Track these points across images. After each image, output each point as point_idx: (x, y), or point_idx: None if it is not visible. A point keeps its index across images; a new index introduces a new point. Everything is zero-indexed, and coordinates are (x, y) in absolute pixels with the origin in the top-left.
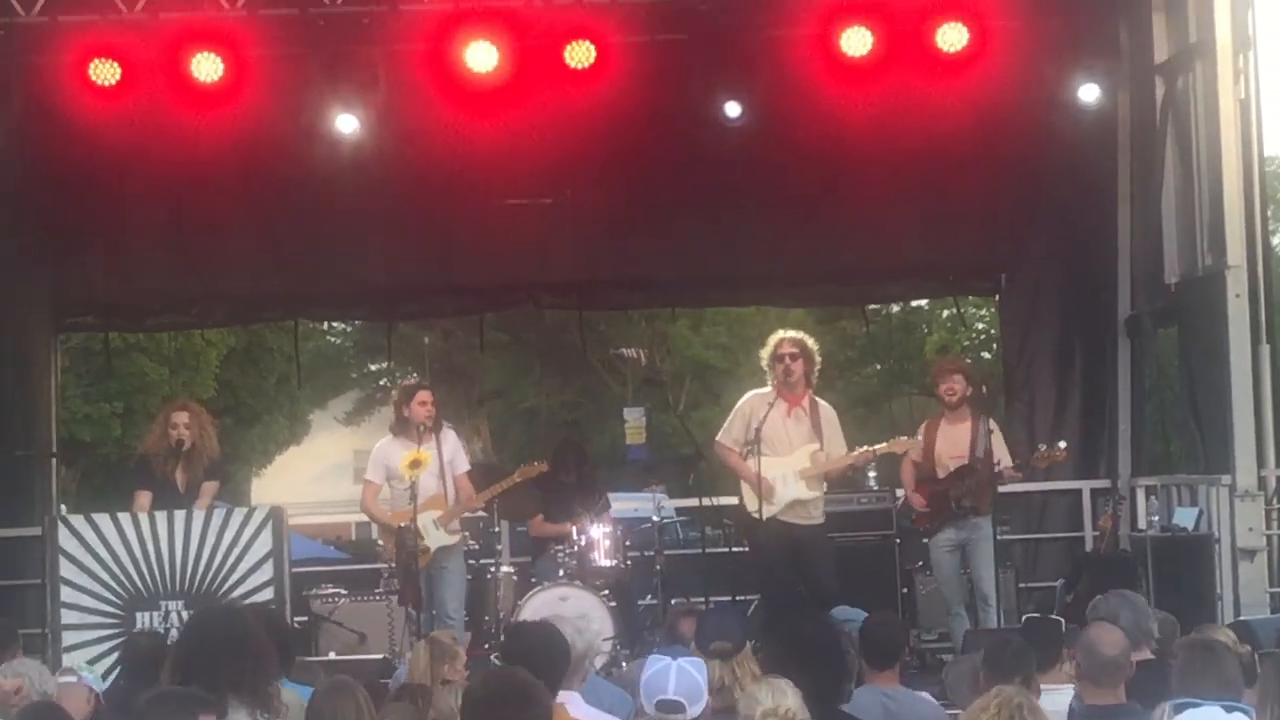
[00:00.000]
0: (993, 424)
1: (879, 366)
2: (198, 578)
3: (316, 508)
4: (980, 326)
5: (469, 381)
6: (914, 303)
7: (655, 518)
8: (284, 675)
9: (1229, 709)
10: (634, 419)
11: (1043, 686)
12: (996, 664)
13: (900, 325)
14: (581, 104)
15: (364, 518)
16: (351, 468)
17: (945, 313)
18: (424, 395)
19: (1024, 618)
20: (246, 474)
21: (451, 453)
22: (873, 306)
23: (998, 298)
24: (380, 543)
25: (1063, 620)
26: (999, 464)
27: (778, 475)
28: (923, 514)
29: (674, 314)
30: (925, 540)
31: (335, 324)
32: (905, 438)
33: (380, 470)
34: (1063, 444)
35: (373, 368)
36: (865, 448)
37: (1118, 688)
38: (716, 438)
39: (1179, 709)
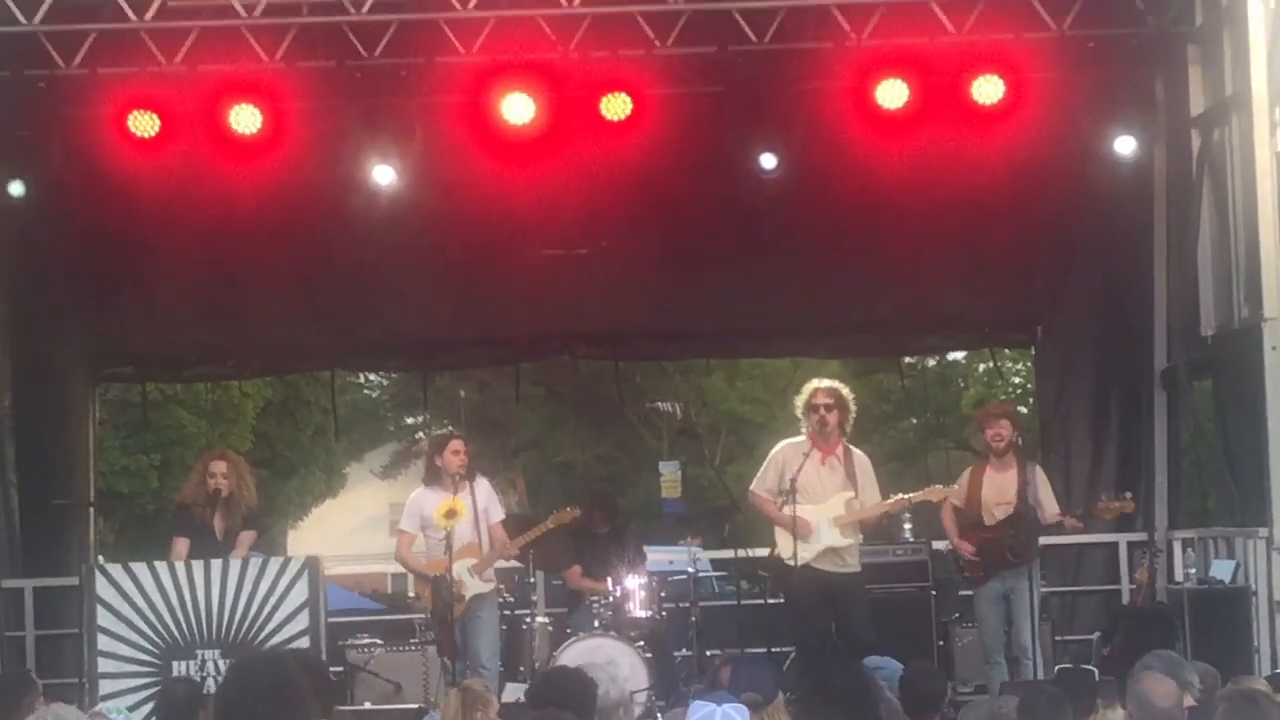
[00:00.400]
0: (1040, 472)
1: (915, 420)
2: (234, 626)
3: (353, 560)
4: (1017, 380)
5: (505, 434)
6: (950, 356)
7: (690, 569)
8: None
9: None
10: (669, 472)
11: None
12: (1032, 712)
13: (936, 379)
14: (617, 155)
15: (400, 569)
16: (387, 521)
17: (982, 366)
18: (456, 444)
19: (1057, 668)
20: (283, 526)
21: (485, 501)
22: (909, 360)
23: (1033, 350)
24: (414, 594)
25: (1096, 671)
26: (1051, 513)
27: (813, 523)
28: (971, 562)
29: (709, 366)
30: (970, 590)
31: (371, 376)
32: (939, 486)
33: (415, 520)
34: (1129, 494)
35: (409, 421)
36: (900, 496)
37: None
38: (750, 487)
39: None
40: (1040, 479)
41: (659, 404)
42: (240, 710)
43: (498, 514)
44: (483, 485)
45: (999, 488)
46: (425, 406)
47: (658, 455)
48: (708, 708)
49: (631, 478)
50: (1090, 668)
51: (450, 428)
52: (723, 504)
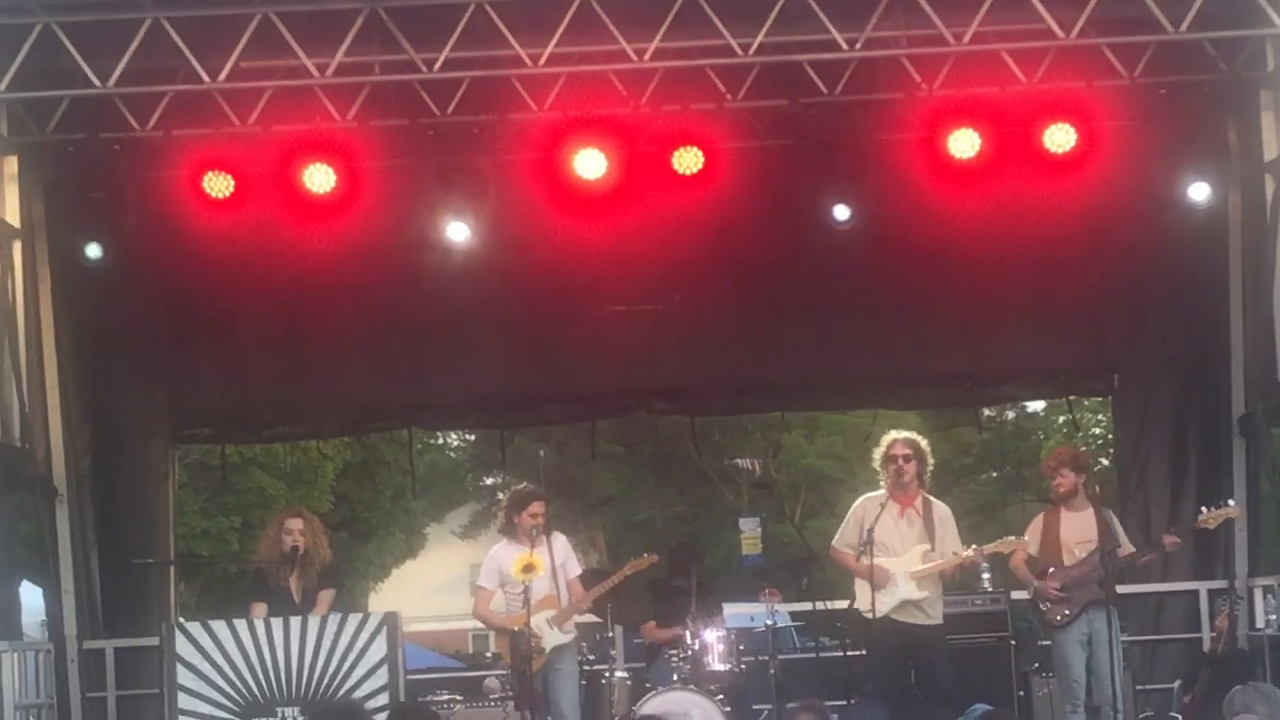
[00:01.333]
0: (1112, 514)
1: (995, 474)
2: (313, 683)
3: (434, 619)
4: (1096, 431)
5: (584, 494)
6: (1029, 409)
7: (769, 620)
8: None
9: None
10: (750, 529)
11: None
12: None
13: (1015, 432)
14: (690, 209)
15: (481, 628)
16: (468, 581)
17: (1061, 418)
18: (536, 507)
19: (1139, 718)
20: (364, 588)
21: (563, 556)
22: (988, 413)
23: (1111, 399)
24: (494, 653)
25: (1179, 718)
26: (1128, 550)
27: (890, 574)
28: (1057, 601)
29: (785, 421)
30: (1049, 640)
31: (452, 438)
32: (1013, 538)
33: (494, 576)
34: (1232, 501)
35: (488, 481)
36: (973, 548)
37: None
38: (832, 543)
39: None
40: (1115, 522)
41: (738, 461)
42: None
43: (575, 569)
44: (560, 540)
45: (1077, 527)
46: (504, 467)
47: (737, 512)
48: None
49: (712, 535)
50: (1174, 715)
51: (532, 487)
52: (802, 556)
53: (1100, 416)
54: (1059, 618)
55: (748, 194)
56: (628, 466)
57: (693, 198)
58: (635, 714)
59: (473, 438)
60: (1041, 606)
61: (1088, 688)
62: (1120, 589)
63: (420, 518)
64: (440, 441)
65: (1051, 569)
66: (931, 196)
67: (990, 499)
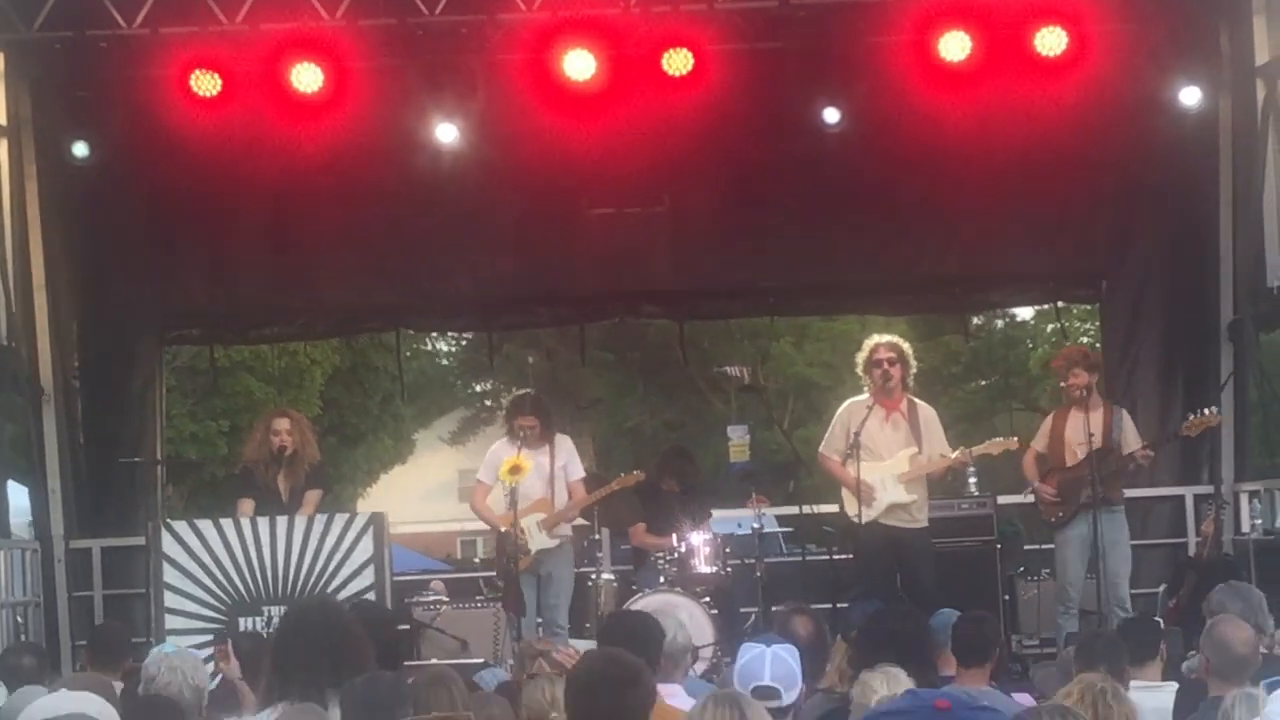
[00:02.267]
0: (1125, 415)
1: (983, 382)
2: (299, 583)
3: (422, 524)
4: (1085, 340)
5: (573, 401)
6: (1018, 318)
7: (756, 524)
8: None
9: None
10: (737, 436)
11: (1136, 683)
12: (1088, 654)
13: (1004, 340)
14: (680, 111)
15: (469, 534)
16: (457, 487)
17: (1050, 327)
18: (525, 420)
19: (1120, 619)
20: (352, 494)
21: (565, 459)
22: (976, 322)
23: (1099, 305)
24: (481, 558)
25: (1161, 621)
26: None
27: (876, 480)
28: (1052, 504)
29: (774, 329)
30: (1054, 531)
31: (440, 344)
32: (1001, 439)
33: (491, 472)
34: (1214, 408)
35: (477, 388)
36: (962, 449)
37: (1245, 684)
38: (819, 449)
39: (1273, 686)
40: (1127, 421)
41: (726, 368)
42: (295, 654)
43: (577, 472)
44: (565, 444)
45: (1082, 427)
46: (493, 371)
47: (726, 420)
48: (757, 648)
49: (700, 442)
50: (1155, 619)
51: (530, 394)
52: (789, 460)
53: (1089, 325)
54: (1053, 519)
55: (737, 97)
56: (617, 374)
57: (682, 100)
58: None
59: (463, 343)
60: (1039, 507)
61: (1101, 590)
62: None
63: (409, 424)
64: (430, 348)
65: (1051, 472)
66: (921, 100)
67: (978, 407)
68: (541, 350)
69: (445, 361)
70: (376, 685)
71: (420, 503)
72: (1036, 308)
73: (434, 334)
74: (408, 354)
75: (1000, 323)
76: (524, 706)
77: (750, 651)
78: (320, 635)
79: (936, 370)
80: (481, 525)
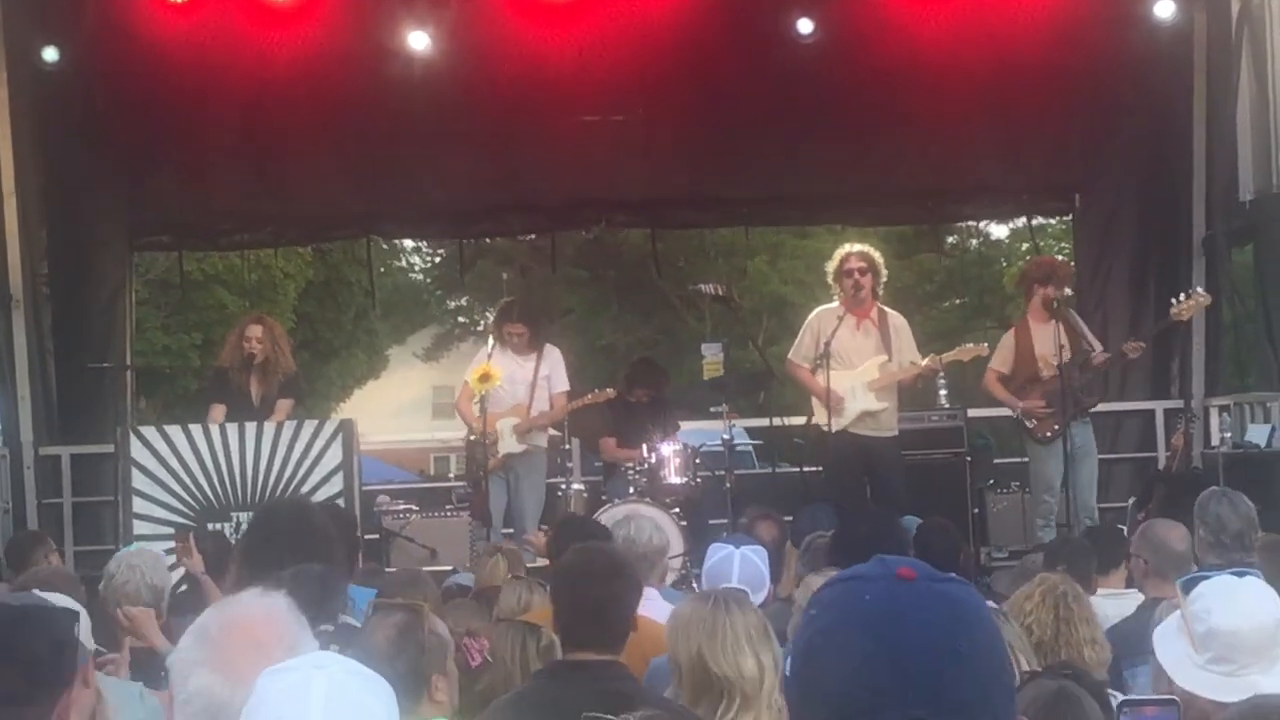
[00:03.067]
0: (1078, 318)
1: (958, 301)
2: (268, 489)
3: (396, 441)
4: (1059, 259)
5: (546, 318)
6: (992, 237)
7: (725, 435)
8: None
9: (1240, 574)
10: (711, 354)
11: (1101, 590)
12: (1054, 560)
13: (978, 259)
14: (654, 20)
15: (441, 451)
16: (430, 403)
17: (1024, 245)
18: (513, 327)
19: (1086, 526)
20: (325, 408)
21: (549, 369)
22: (951, 240)
23: (1072, 218)
24: (454, 474)
25: (1126, 528)
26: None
27: (846, 388)
28: (1043, 418)
29: (748, 247)
30: (1040, 445)
31: (414, 259)
32: (972, 345)
33: (473, 371)
34: (1200, 288)
35: (451, 304)
36: (932, 356)
37: None
38: (788, 356)
39: (1189, 584)
40: (1084, 326)
41: (701, 286)
42: (265, 553)
43: (562, 384)
44: (552, 353)
45: (1051, 338)
46: (462, 280)
47: (700, 338)
48: (726, 549)
49: (674, 360)
50: (1120, 527)
51: (518, 304)
52: (758, 371)
53: (1063, 245)
54: (1048, 434)
55: (712, 7)
56: (591, 291)
57: (657, 9)
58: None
59: (437, 259)
60: (1028, 424)
61: (1069, 503)
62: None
63: (383, 339)
64: (403, 264)
65: (1028, 385)
66: (896, 11)
67: (953, 325)
68: (515, 267)
69: (419, 277)
70: (302, 578)
71: (394, 418)
72: (1010, 226)
73: (406, 241)
74: (381, 269)
75: (974, 242)
76: (499, 607)
77: (719, 552)
78: (290, 533)
79: (910, 289)
80: (456, 442)
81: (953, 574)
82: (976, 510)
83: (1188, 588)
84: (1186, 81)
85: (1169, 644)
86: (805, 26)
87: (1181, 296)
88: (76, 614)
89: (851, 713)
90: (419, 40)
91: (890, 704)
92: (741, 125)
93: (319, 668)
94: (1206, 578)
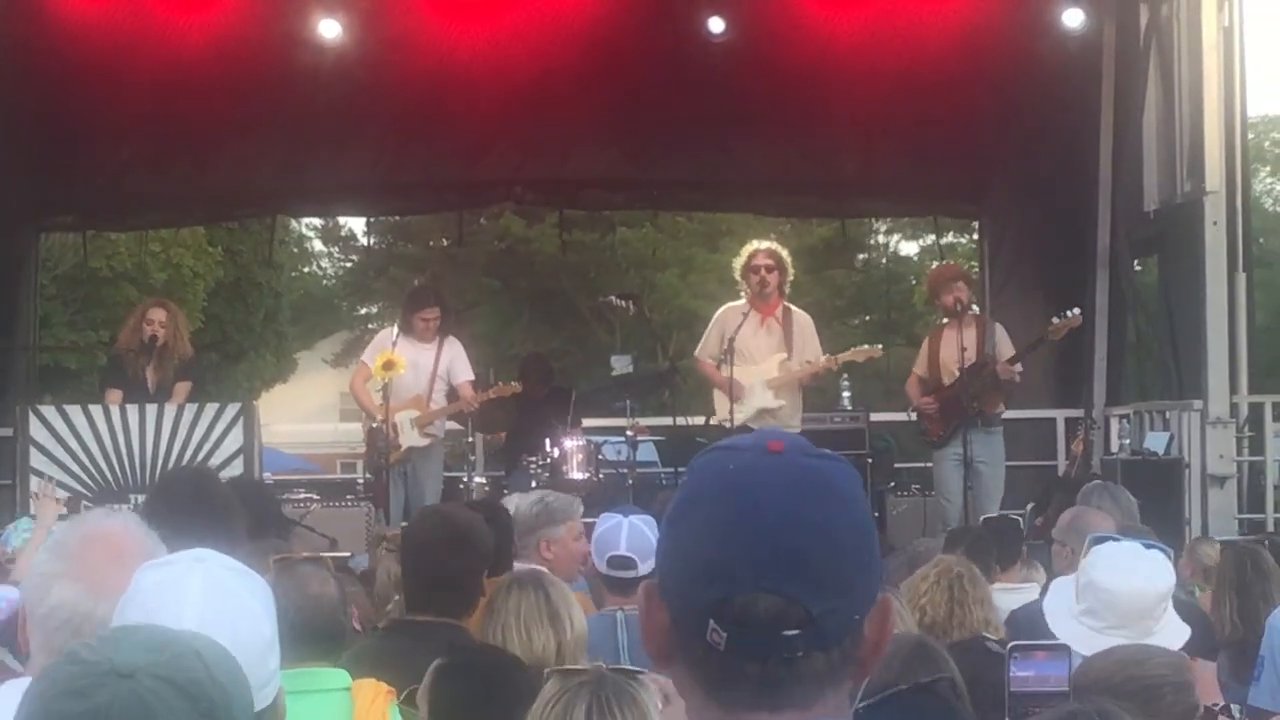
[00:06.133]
0: (1000, 328)
1: (867, 317)
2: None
3: (303, 446)
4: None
5: (458, 325)
6: (902, 253)
7: (629, 432)
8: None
9: (1149, 546)
10: (621, 366)
11: (997, 585)
12: (953, 548)
13: (887, 276)
14: (565, 16)
15: (349, 453)
16: (338, 409)
17: (933, 264)
18: (428, 312)
19: (982, 518)
20: None
21: (450, 360)
22: (861, 256)
23: (979, 227)
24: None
25: (1021, 521)
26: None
27: (747, 385)
28: (933, 421)
29: (658, 260)
30: (933, 449)
31: (324, 264)
32: (867, 346)
33: (375, 355)
34: (1076, 310)
35: (361, 310)
36: (827, 355)
37: None
38: (695, 353)
39: (1098, 540)
40: (1001, 334)
41: (612, 297)
42: (163, 520)
43: (465, 373)
44: (452, 346)
45: (958, 345)
46: (376, 295)
47: (610, 350)
48: (614, 518)
49: (584, 371)
50: (1015, 516)
51: (431, 289)
52: (663, 370)
53: (973, 263)
54: (935, 437)
55: (624, 5)
56: (504, 301)
57: (568, 6)
58: None
59: (348, 265)
60: (921, 426)
61: (967, 509)
62: None
63: (292, 343)
64: (315, 269)
65: (930, 392)
66: (808, 12)
67: (861, 341)
68: (427, 273)
69: (329, 283)
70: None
71: (302, 423)
72: (920, 244)
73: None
74: (293, 274)
75: (884, 261)
76: (375, 587)
77: (608, 521)
78: (190, 501)
79: (821, 304)
80: (363, 447)
81: (829, 450)
82: (877, 513)
83: (1095, 543)
84: (1095, 90)
85: (1059, 591)
86: (716, 26)
87: (1055, 320)
88: None
89: (708, 579)
90: (329, 28)
91: (745, 574)
92: (653, 115)
93: (199, 560)
94: (1117, 539)
